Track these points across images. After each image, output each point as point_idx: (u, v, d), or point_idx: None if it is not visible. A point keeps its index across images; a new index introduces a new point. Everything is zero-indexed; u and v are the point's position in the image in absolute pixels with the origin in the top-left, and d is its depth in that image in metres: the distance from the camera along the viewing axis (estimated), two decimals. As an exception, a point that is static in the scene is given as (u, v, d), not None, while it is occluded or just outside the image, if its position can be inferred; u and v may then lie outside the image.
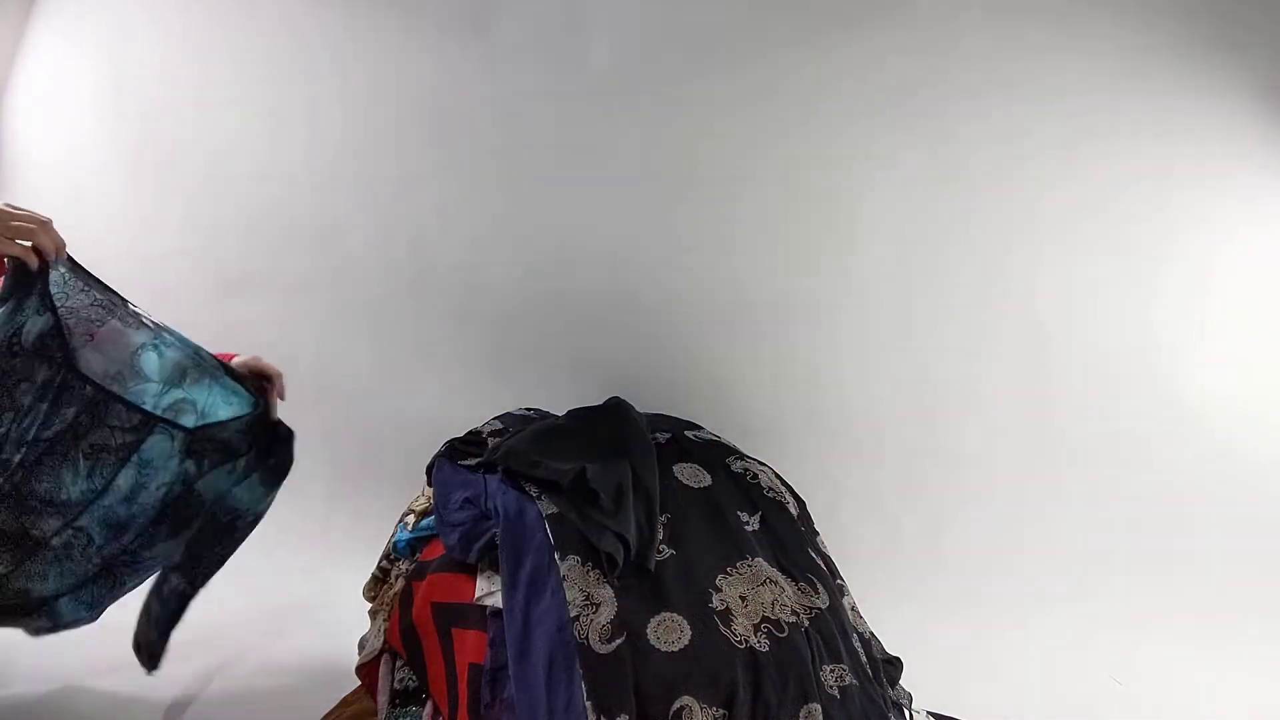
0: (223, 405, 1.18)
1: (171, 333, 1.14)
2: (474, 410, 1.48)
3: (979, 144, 1.66)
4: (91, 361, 1.06)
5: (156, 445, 1.11)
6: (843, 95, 1.66)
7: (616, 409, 1.44)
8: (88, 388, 1.05)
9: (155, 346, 1.12)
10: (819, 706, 0.94)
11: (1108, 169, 1.64)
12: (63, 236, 1.00)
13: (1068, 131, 1.64)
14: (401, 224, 1.84)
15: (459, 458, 1.28)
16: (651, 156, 1.73)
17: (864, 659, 1.08)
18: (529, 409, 1.51)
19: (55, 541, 1.10)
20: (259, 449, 1.25)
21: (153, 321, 1.12)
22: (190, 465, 1.17)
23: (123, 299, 1.10)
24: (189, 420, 1.14)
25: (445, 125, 1.77)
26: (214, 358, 1.18)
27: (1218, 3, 1.58)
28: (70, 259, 1.05)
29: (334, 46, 1.79)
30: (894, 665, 1.20)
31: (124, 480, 1.11)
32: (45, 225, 0.98)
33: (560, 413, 1.47)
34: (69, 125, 1.93)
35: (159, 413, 1.11)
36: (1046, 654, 1.59)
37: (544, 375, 1.82)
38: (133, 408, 1.08)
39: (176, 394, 1.14)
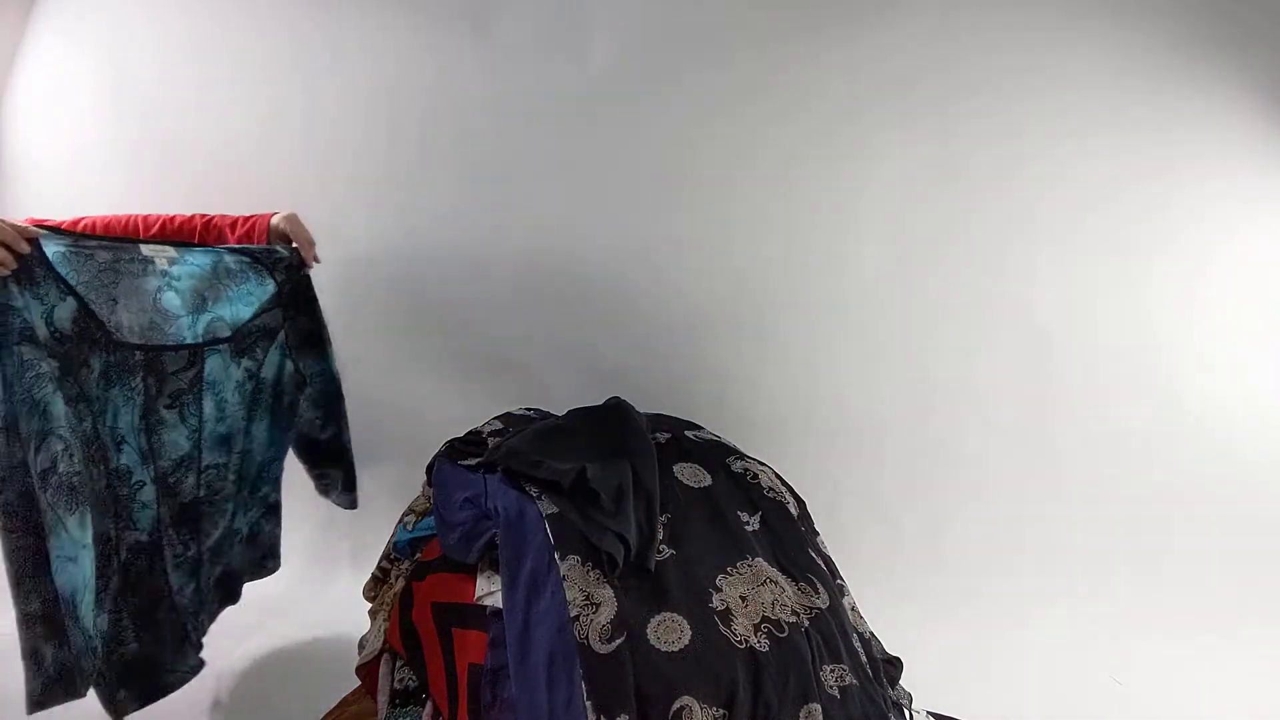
0: (244, 306, 1.26)
1: (190, 257, 1.20)
2: (474, 410, 1.48)
3: (978, 143, 1.65)
4: (127, 322, 1.10)
5: (213, 364, 1.21)
6: (843, 93, 1.65)
7: (616, 409, 1.44)
8: (138, 353, 1.10)
9: (170, 286, 1.17)
10: (819, 706, 0.94)
11: (1108, 168, 1.64)
12: (21, 225, 0.99)
13: (1068, 130, 1.63)
14: (401, 223, 1.84)
15: (459, 458, 1.28)
16: (652, 155, 1.73)
17: (864, 659, 1.08)
18: (529, 409, 1.51)
19: (201, 494, 1.24)
20: (290, 316, 1.35)
21: (166, 254, 1.17)
22: (247, 363, 1.28)
23: (129, 243, 1.13)
24: (225, 333, 1.23)
25: (446, 123, 1.77)
26: (239, 253, 1.26)
27: (1219, 2, 1.57)
28: (57, 229, 1.07)
29: (334, 46, 1.79)
30: (894, 665, 1.20)
31: (208, 407, 1.22)
32: None
33: (560, 413, 1.47)
34: (69, 125, 1.93)
35: (201, 340, 1.19)
36: (1046, 654, 1.59)
37: (544, 375, 1.82)
38: (179, 347, 1.16)
39: (205, 318, 1.21)
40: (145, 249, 1.14)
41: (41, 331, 0.99)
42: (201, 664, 1.27)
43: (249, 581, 1.44)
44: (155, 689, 1.19)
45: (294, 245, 1.33)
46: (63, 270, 1.02)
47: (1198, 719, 1.44)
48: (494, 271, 1.81)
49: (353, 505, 1.55)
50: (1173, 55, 1.59)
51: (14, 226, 0.97)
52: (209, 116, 1.85)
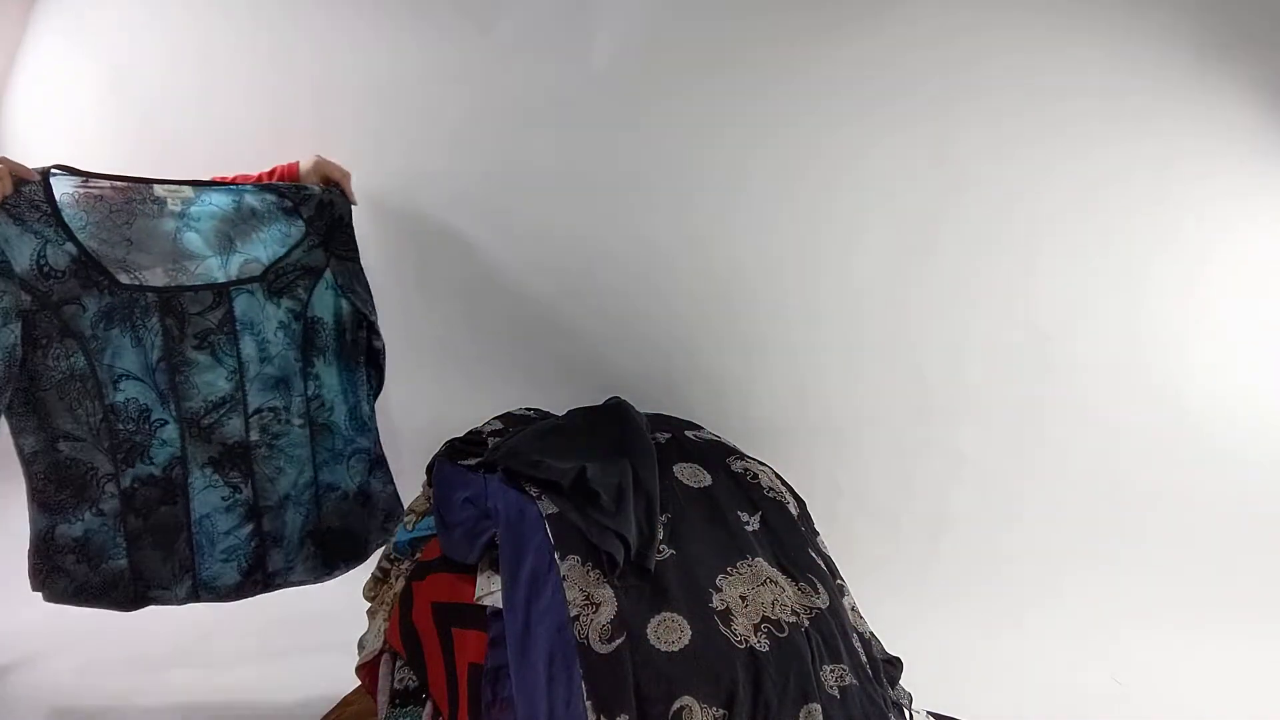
0: (278, 246, 1.23)
1: (207, 195, 1.18)
2: (474, 410, 1.48)
3: (972, 136, 1.64)
4: (144, 263, 1.10)
5: (243, 304, 1.19)
6: (841, 94, 1.64)
7: (616, 409, 1.44)
8: (149, 295, 1.09)
9: (189, 226, 1.15)
10: (819, 706, 0.94)
11: (1106, 161, 1.63)
12: (18, 164, 1.02)
13: (1066, 123, 1.62)
14: (402, 221, 1.84)
15: (459, 458, 1.28)
16: (654, 156, 1.72)
17: (864, 659, 1.08)
18: (529, 409, 1.51)
19: (254, 437, 1.21)
20: (336, 253, 1.32)
21: (180, 194, 1.16)
22: (288, 302, 1.25)
23: (144, 183, 1.13)
24: (259, 272, 1.21)
25: (448, 121, 1.77)
26: (264, 191, 1.24)
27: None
28: (70, 169, 1.06)
29: (338, 45, 1.78)
30: (894, 665, 1.20)
31: (247, 348, 1.19)
32: None
33: (560, 413, 1.47)
34: (69, 125, 1.93)
35: (230, 280, 1.17)
36: (1046, 654, 1.59)
37: (544, 375, 1.82)
38: (201, 288, 1.14)
39: (237, 259, 1.19)
40: (158, 189, 1.13)
41: (21, 266, 1.00)
42: (199, 598, 1.27)
43: (381, 545, 1.41)
44: (139, 599, 1.22)
45: (322, 185, 1.31)
46: (68, 214, 1.03)
47: (1198, 719, 1.44)
48: (495, 272, 1.81)
49: None
50: (1175, 48, 1.58)
51: (9, 165, 0.98)
52: (210, 117, 1.85)
